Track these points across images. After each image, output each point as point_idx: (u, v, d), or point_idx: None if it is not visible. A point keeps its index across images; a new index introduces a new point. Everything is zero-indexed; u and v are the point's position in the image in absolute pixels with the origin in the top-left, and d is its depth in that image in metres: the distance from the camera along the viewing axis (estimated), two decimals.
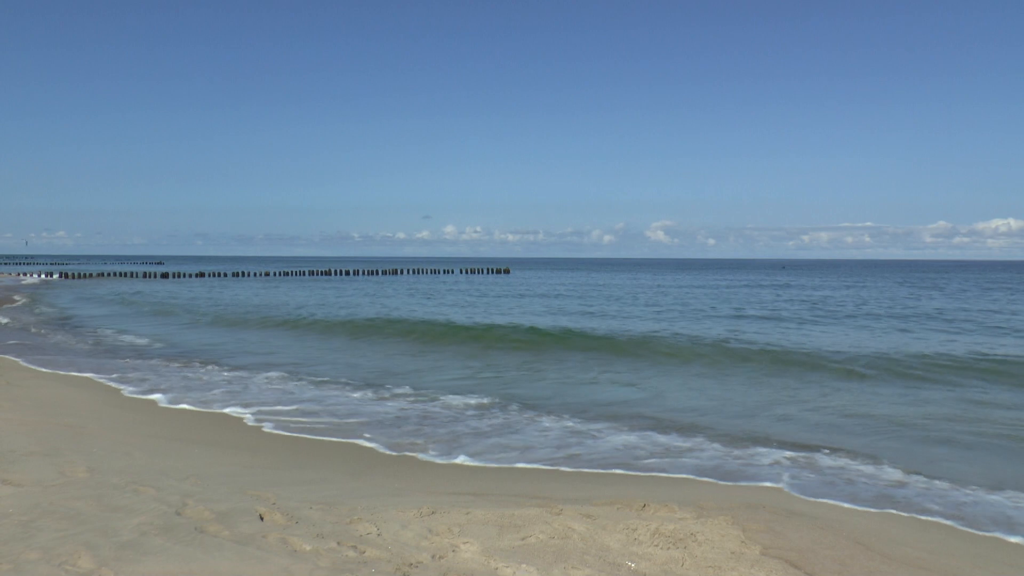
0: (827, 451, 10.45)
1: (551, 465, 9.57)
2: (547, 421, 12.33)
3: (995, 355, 20.36)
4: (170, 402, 13.32)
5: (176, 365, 18.40)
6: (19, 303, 40.48)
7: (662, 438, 11.21)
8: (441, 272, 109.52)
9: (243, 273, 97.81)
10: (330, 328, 28.54)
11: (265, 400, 13.75)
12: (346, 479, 8.50)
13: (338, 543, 5.66)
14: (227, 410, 12.71)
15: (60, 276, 76.39)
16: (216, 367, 18.19)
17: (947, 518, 7.64)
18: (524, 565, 5.47)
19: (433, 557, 5.53)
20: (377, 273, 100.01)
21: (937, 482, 8.99)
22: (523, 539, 6.04)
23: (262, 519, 6.17)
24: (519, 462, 9.72)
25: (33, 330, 26.65)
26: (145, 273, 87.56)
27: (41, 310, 35.96)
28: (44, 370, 16.64)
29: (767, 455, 10.21)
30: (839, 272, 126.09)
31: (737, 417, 12.93)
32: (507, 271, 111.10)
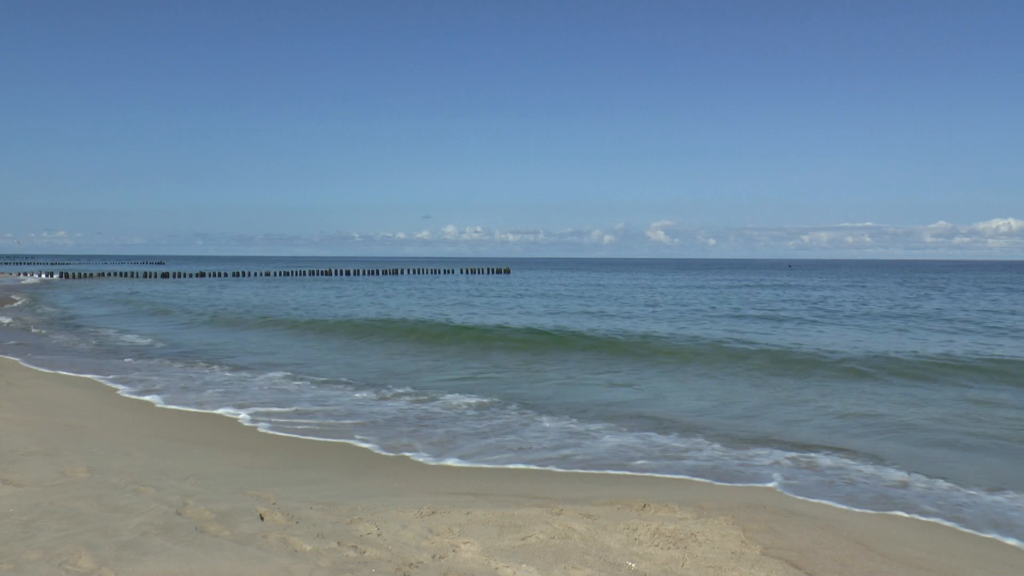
0: (827, 451, 10.45)
1: (551, 465, 9.57)
2: (547, 421, 12.34)
3: (995, 355, 20.36)
4: (170, 402, 13.32)
5: (177, 365, 18.40)
6: (19, 303, 40.49)
7: (662, 438, 11.21)
8: (441, 272, 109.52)
9: (243, 273, 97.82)
10: (330, 328, 28.54)
11: (266, 400, 13.75)
12: (346, 479, 8.50)
13: (338, 543, 5.66)
14: (227, 410, 12.71)
15: (60, 276, 76.39)
16: (217, 367, 18.20)
17: (948, 519, 7.64)
18: (524, 565, 5.47)
19: (433, 557, 5.53)
20: (377, 273, 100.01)
21: (937, 482, 8.99)
22: (523, 539, 6.04)
23: (262, 519, 6.17)
24: (519, 462, 9.72)
25: (34, 330, 26.65)
26: (145, 273, 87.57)
27: (42, 310, 35.96)
28: (44, 370, 16.64)
29: (767, 455, 10.21)
30: (839, 272, 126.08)
31: (737, 417, 12.93)
32: (507, 271, 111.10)
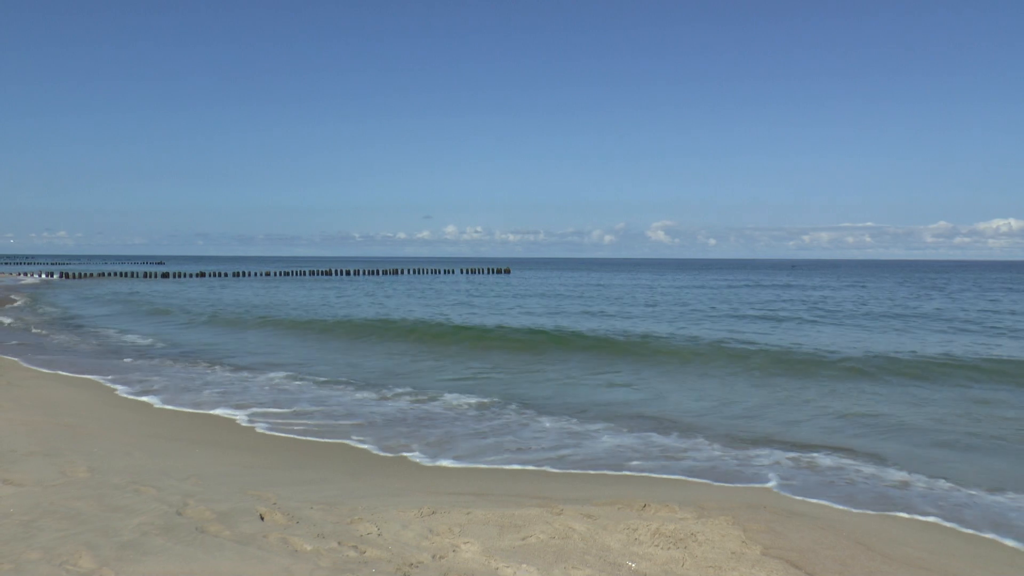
0: (827, 451, 10.45)
1: (551, 465, 9.58)
2: (547, 421, 12.34)
3: (996, 356, 20.36)
4: (170, 402, 13.33)
5: (177, 365, 18.41)
6: (20, 303, 40.51)
7: (662, 438, 11.21)
8: (442, 272, 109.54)
9: (244, 273, 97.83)
10: (331, 328, 28.55)
11: (266, 400, 13.75)
12: (346, 479, 8.51)
13: (339, 543, 5.66)
14: (227, 411, 12.71)
15: (60, 276, 76.42)
16: (217, 367, 18.20)
17: (948, 519, 7.64)
18: (525, 565, 5.47)
19: (434, 557, 5.53)
20: (378, 273, 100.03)
21: (938, 482, 8.99)
22: (524, 539, 6.04)
23: (263, 519, 6.17)
24: (518, 462, 9.72)
25: (34, 330, 26.66)
26: (146, 273, 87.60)
27: (42, 310, 35.98)
28: (45, 370, 16.65)
29: (767, 455, 10.21)
30: (840, 272, 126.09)
31: (737, 417, 12.94)
32: (508, 271, 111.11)
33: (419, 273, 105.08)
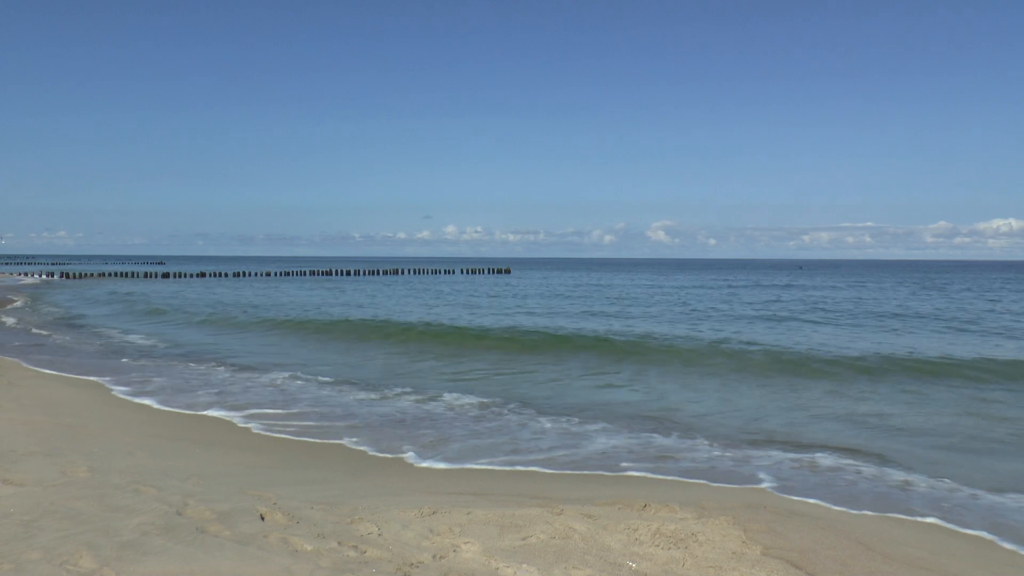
0: (828, 451, 10.44)
1: (551, 466, 9.57)
2: (547, 421, 12.34)
3: (996, 356, 20.36)
4: (170, 403, 13.32)
5: (177, 365, 18.41)
6: (20, 303, 40.51)
7: (662, 439, 11.21)
8: (442, 272, 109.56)
9: (244, 273, 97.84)
10: (331, 328, 28.55)
11: (268, 401, 13.75)
12: (347, 479, 8.51)
13: (339, 543, 5.66)
14: (227, 411, 12.71)
15: (60, 276, 76.42)
16: (218, 368, 18.20)
17: (949, 519, 7.64)
18: (525, 565, 5.47)
19: (434, 557, 5.53)
20: (378, 273, 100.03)
21: (939, 483, 8.99)
22: (524, 539, 6.04)
23: (263, 519, 6.17)
24: (519, 463, 9.72)
25: (35, 330, 26.66)
26: (146, 273, 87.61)
27: (42, 310, 35.98)
28: (45, 371, 16.65)
29: (768, 455, 10.21)
30: (840, 272, 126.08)
31: (738, 418, 12.93)
32: (508, 271, 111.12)
33: (419, 273, 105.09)
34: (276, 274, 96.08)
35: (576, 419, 12.55)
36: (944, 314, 36.05)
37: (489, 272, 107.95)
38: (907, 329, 28.78)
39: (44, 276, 77.38)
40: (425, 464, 9.59)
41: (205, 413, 12.48)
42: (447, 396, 14.56)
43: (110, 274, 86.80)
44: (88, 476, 7.43)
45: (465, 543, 5.88)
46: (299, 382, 16.09)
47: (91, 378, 15.71)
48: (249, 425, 11.64)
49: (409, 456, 9.95)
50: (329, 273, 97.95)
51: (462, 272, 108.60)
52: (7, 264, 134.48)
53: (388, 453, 10.11)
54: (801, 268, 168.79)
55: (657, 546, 6.05)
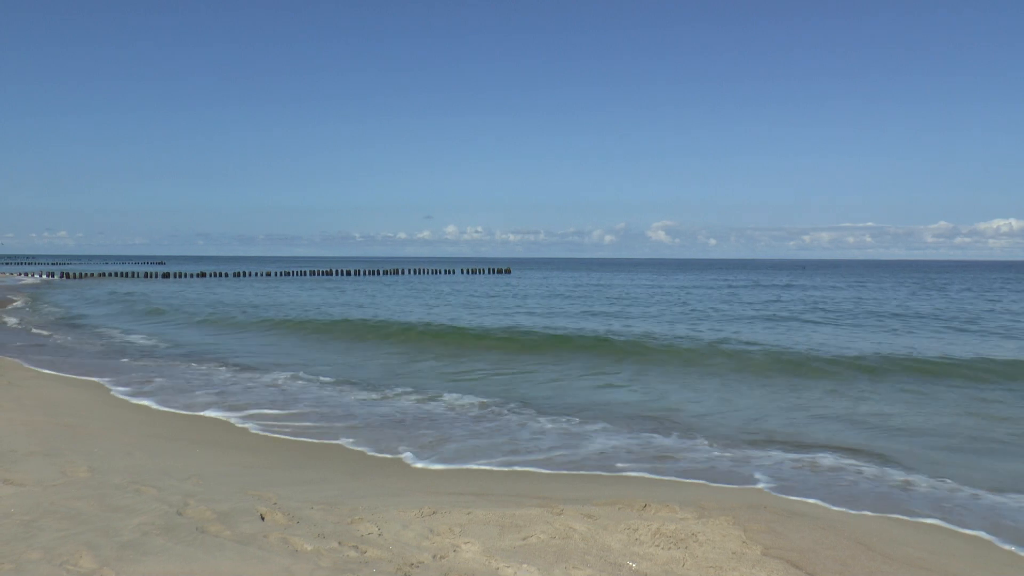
0: (828, 452, 10.44)
1: (550, 466, 9.57)
2: (547, 421, 12.34)
3: (996, 356, 20.35)
4: (170, 403, 13.32)
5: (177, 366, 18.41)
6: (20, 303, 40.52)
7: (662, 439, 11.20)
8: (442, 272, 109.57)
9: (244, 273, 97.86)
10: (332, 328, 28.56)
11: (268, 401, 13.76)
12: (347, 479, 8.51)
13: (339, 543, 5.66)
14: (228, 411, 12.72)
15: (61, 276, 76.45)
16: (219, 368, 18.21)
17: (949, 520, 7.63)
18: (525, 565, 5.47)
19: (434, 557, 5.53)
20: (378, 273, 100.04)
21: (939, 483, 8.98)
22: (524, 539, 6.04)
23: (263, 519, 6.17)
24: (518, 463, 9.72)
25: (35, 330, 26.67)
26: (147, 273, 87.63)
27: (43, 310, 35.99)
28: (46, 371, 16.66)
29: (768, 455, 10.21)
30: (840, 272, 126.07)
31: (738, 418, 12.93)
32: (508, 271, 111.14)
33: (419, 273, 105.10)
34: (276, 274, 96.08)
35: (576, 419, 12.55)
36: (944, 314, 36.04)
37: (489, 272, 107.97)
38: (907, 329, 28.77)
39: (44, 276, 77.41)
40: (425, 464, 9.60)
41: (205, 413, 12.48)
42: (447, 396, 14.56)
43: (110, 274, 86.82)
44: (88, 476, 7.43)
45: (465, 543, 5.88)
46: (299, 382, 16.09)
47: (91, 378, 15.72)
48: (249, 425, 11.64)
49: (409, 456, 9.95)
50: (329, 273, 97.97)
51: (462, 272, 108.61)
52: (7, 264, 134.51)
53: (388, 453, 10.11)
54: (804, 268, 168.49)
55: (657, 546, 6.05)
